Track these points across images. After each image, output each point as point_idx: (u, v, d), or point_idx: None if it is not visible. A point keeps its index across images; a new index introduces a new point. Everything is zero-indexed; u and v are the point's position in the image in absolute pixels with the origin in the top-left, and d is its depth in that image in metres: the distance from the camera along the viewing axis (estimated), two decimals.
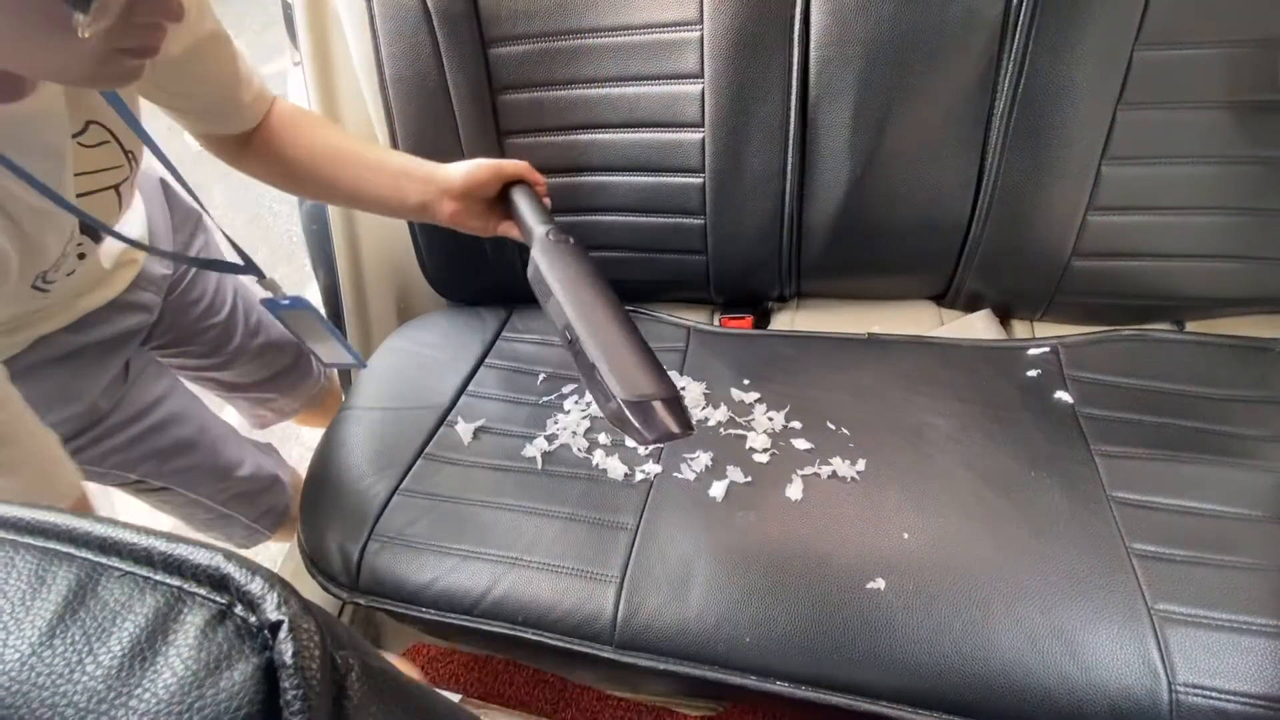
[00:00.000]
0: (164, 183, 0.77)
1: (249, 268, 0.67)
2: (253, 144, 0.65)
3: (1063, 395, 0.71)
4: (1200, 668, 0.50)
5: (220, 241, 0.84)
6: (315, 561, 0.68)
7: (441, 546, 0.64)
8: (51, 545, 0.20)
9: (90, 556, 0.20)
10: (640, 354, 0.55)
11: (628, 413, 0.51)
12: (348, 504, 0.69)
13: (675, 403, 0.53)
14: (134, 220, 0.69)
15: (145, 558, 0.20)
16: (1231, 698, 0.49)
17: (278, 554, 1.31)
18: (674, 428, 0.52)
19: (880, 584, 0.56)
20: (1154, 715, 0.49)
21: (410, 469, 0.72)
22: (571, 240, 0.61)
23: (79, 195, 0.55)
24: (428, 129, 0.80)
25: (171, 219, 0.76)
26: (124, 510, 1.44)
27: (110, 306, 0.67)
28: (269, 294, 0.70)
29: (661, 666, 0.58)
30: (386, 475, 0.72)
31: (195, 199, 0.67)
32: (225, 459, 0.81)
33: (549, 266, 0.59)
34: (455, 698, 0.81)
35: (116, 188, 0.58)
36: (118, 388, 0.70)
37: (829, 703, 0.55)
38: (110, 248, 0.65)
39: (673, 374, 0.79)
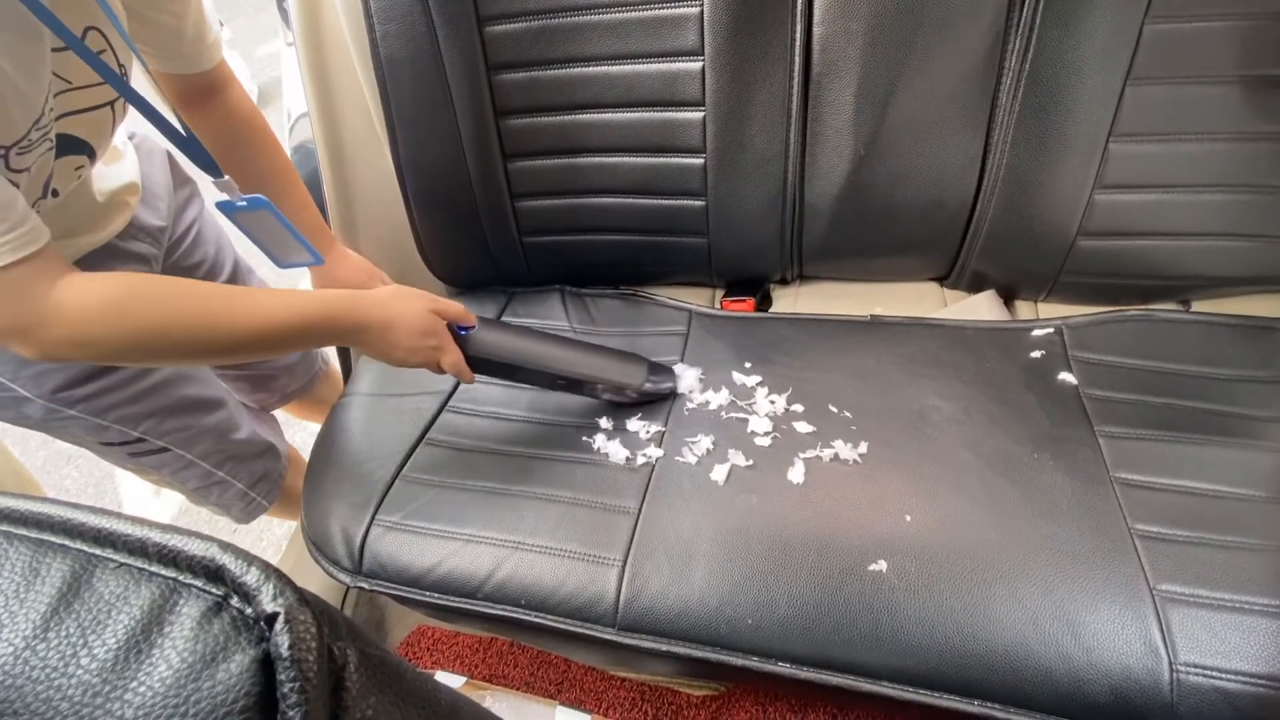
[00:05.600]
0: (168, 153, 0.79)
1: (209, 165, 0.67)
2: (213, 101, 0.70)
3: (1066, 376, 0.71)
4: (1202, 647, 0.50)
5: (212, 208, 0.85)
6: (319, 546, 0.68)
7: (444, 531, 0.65)
8: (46, 537, 0.20)
9: (85, 548, 0.20)
10: (607, 355, 0.74)
11: (649, 388, 0.72)
12: (350, 489, 0.70)
13: (655, 365, 0.75)
14: (127, 168, 0.71)
15: (140, 549, 0.19)
16: (1232, 677, 0.49)
17: (282, 539, 1.32)
18: (669, 378, 0.75)
19: (882, 566, 0.56)
20: (1155, 695, 0.49)
21: (412, 454, 0.72)
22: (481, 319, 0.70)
23: (77, 112, 0.56)
24: (423, 110, 0.78)
25: (172, 181, 0.79)
26: (129, 499, 1.45)
27: (107, 253, 0.68)
28: (224, 196, 0.70)
29: (664, 648, 0.58)
30: (389, 460, 0.72)
31: (181, 125, 0.67)
32: (224, 421, 0.82)
33: (497, 350, 0.68)
34: (460, 680, 0.82)
35: (111, 104, 0.59)
36: None
37: (831, 683, 0.55)
38: (103, 181, 0.66)
39: (673, 359, 0.79)
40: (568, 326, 0.87)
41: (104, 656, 0.16)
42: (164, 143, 0.70)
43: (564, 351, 0.71)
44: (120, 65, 0.58)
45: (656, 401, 0.73)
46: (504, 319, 0.89)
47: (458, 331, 0.66)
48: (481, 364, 0.68)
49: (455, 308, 0.66)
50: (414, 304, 0.63)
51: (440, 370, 0.66)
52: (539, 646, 0.86)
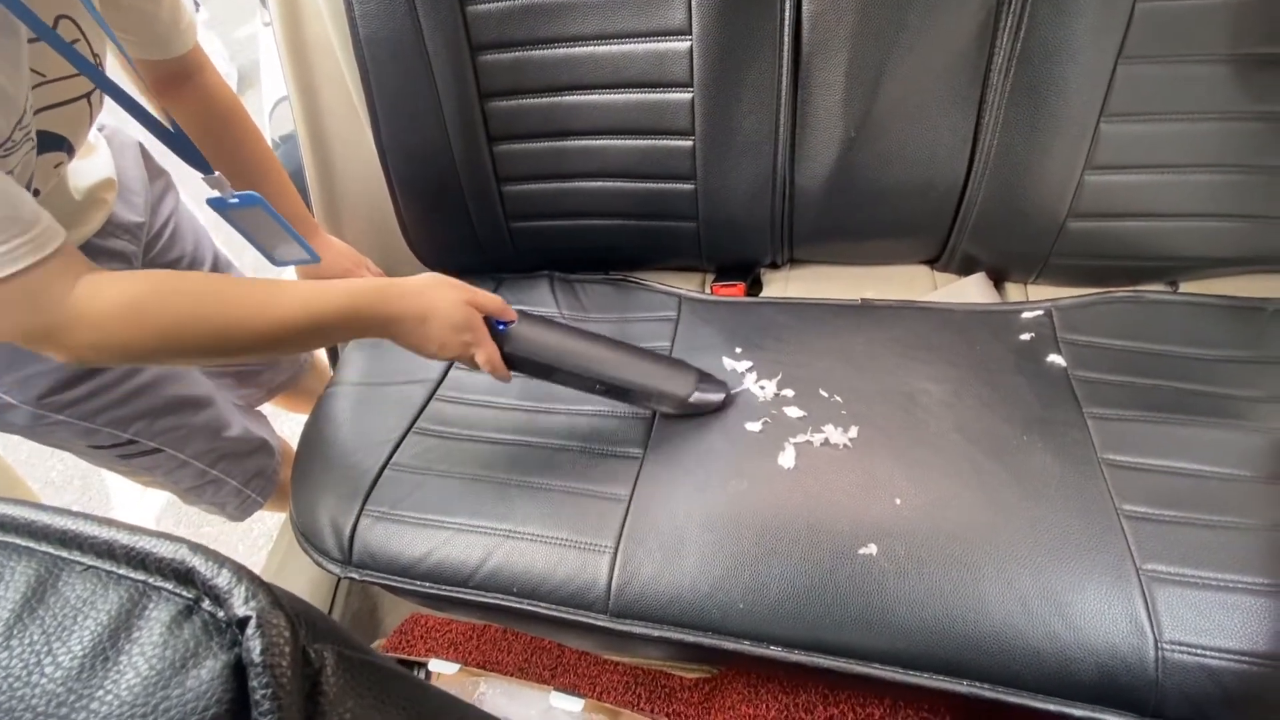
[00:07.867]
0: (140, 144, 0.77)
1: (198, 161, 0.66)
2: (188, 86, 0.69)
3: (1055, 358, 0.71)
4: (1187, 626, 0.51)
5: (187, 200, 0.84)
6: (308, 538, 0.67)
7: (434, 520, 0.64)
8: (10, 539, 0.19)
9: (51, 551, 0.19)
10: (655, 361, 0.69)
11: (695, 399, 0.67)
12: (339, 479, 0.69)
13: (705, 375, 0.70)
14: (101, 163, 0.69)
15: (107, 551, 0.19)
16: (1217, 654, 0.50)
17: (273, 529, 1.31)
18: (718, 390, 0.69)
19: (872, 549, 0.57)
20: (1141, 673, 0.50)
21: (401, 443, 0.72)
22: (525, 311, 0.67)
23: (53, 106, 0.54)
24: (405, 92, 0.77)
25: (147, 174, 0.77)
26: (116, 492, 1.44)
27: (85, 252, 0.66)
28: (215, 193, 0.68)
29: (656, 634, 0.58)
30: (377, 450, 0.71)
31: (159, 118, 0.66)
32: (215, 418, 0.81)
33: (537, 349, 0.64)
34: (454, 667, 0.82)
35: (88, 96, 0.57)
36: None
37: (822, 665, 0.56)
38: (79, 178, 0.64)
39: (663, 344, 0.79)
40: (557, 313, 0.86)
41: (69, 664, 0.16)
42: (144, 136, 0.68)
43: (609, 354, 0.67)
44: (94, 55, 0.55)
45: (703, 414, 0.69)
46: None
47: (495, 326, 0.63)
48: (519, 362, 0.64)
49: (494, 301, 0.63)
50: (450, 295, 0.60)
51: (475, 366, 0.63)
52: (532, 633, 0.87)
